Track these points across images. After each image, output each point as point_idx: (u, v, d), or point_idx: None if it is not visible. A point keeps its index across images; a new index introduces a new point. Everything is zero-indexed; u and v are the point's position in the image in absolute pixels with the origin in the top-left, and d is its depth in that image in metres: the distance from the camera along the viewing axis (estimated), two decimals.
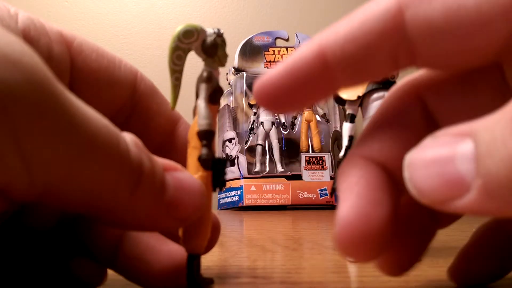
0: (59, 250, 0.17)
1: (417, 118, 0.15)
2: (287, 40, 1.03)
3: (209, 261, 0.25)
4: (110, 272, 0.17)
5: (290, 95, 0.15)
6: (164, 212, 0.14)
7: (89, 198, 0.12)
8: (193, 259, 0.16)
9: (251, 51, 0.98)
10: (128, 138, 0.13)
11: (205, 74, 0.17)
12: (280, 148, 0.92)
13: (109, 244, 0.17)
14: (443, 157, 0.11)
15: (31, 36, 0.16)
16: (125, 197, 0.13)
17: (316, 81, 0.15)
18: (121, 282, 0.17)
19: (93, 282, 0.17)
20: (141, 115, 0.20)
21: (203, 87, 0.17)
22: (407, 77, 0.16)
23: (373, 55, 0.14)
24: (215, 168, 0.16)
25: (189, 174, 0.15)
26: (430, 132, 0.14)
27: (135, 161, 0.13)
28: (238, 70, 0.96)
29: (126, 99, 0.19)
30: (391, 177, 0.15)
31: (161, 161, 0.15)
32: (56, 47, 0.17)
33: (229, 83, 0.98)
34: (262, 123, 0.91)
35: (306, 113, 0.94)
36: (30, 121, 0.11)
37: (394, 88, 0.16)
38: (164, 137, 0.20)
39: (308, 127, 0.93)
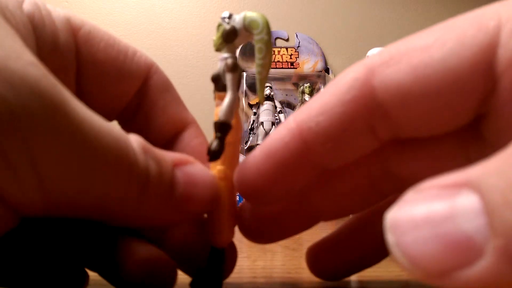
0: (42, 252, 0.17)
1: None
2: (287, 40, 1.03)
3: None
4: None
5: (273, 179, 0.15)
6: (174, 207, 0.14)
7: (97, 206, 0.13)
8: (217, 252, 0.16)
9: (251, 51, 0.98)
10: (135, 143, 0.14)
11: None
12: None
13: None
14: (439, 215, 0.08)
15: (35, 24, 0.15)
16: (133, 201, 0.13)
17: (297, 160, 0.15)
18: None
19: (74, 286, 0.17)
20: (146, 111, 0.18)
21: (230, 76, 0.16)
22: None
23: (348, 127, 0.14)
24: None
25: (201, 167, 0.15)
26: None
27: (142, 167, 0.13)
28: None
29: (135, 91, 0.18)
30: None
31: (172, 156, 0.15)
32: (62, 36, 0.16)
33: None
34: (262, 123, 0.91)
35: None
36: (46, 143, 0.11)
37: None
38: (164, 139, 0.19)
39: None
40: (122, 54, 0.17)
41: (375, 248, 0.18)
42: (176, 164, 0.15)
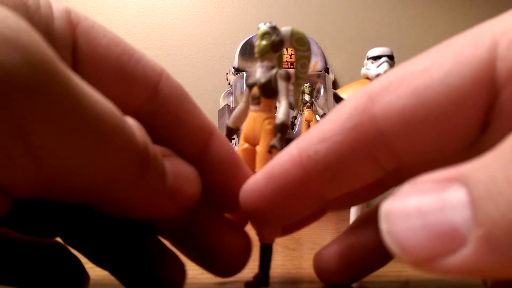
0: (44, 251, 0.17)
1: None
2: None
3: None
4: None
5: (274, 204, 0.15)
6: (166, 198, 0.14)
7: (97, 186, 0.12)
8: (266, 248, 0.17)
9: (251, 51, 0.98)
10: (131, 121, 0.13)
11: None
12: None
13: None
14: (429, 206, 0.09)
15: (28, 4, 0.14)
16: (133, 182, 0.12)
17: (297, 188, 0.15)
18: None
19: (74, 285, 0.17)
20: (167, 124, 0.16)
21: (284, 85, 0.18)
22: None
23: (348, 156, 0.14)
24: None
25: (182, 160, 0.15)
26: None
27: (141, 144, 0.12)
28: (238, 70, 0.96)
29: (145, 100, 0.16)
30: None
31: (157, 147, 0.14)
32: (58, 23, 0.15)
33: (229, 83, 0.98)
34: None
35: (306, 113, 0.94)
36: (34, 106, 0.10)
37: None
38: (195, 151, 0.17)
39: (308, 127, 0.93)
40: (128, 55, 0.16)
41: (382, 250, 0.18)
42: (162, 155, 0.14)
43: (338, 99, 0.31)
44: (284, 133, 0.17)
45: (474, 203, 0.08)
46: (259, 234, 0.17)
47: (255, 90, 0.18)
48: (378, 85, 0.14)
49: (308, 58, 0.19)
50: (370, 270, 0.19)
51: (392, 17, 1.06)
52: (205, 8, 1.07)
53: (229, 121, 0.20)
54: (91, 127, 0.11)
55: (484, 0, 1.07)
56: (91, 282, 0.18)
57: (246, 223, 0.18)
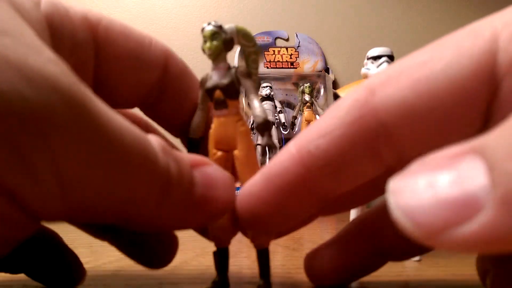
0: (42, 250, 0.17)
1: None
2: (287, 40, 1.03)
3: (209, 261, 0.25)
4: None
5: (273, 207, 0.15)
6: (195, 209, 0.14)
7: (118, 210, 0.12)
8: (262, 253, 0.17)
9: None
10: (156, 143, 0.13)
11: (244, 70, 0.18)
12: (280, 148, 0.92)
13: None
14: (441, 180, 0.08)
15: (55, 24, 0.15)
16: (154, 203, 0.13)
17: (298, 187, 0.14)
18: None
19: (73, 279, 0.18)
20: (171, 97, 0.19)
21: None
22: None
23: (349, 150, 0.13)
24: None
25: (217, 168, 0.15)
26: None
27: (163, 167, 0.13)
28: None
29: (156, 80, 0.18)
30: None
31: (189, 158, 0.14)
32: (81, 34, 0.16)
33: None
34: None
35: (306, 113, 0.94)
36: (68, 142, 0.11)
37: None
38: (188, 117, 0.19)
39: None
40: (140, 45, 0.18)
41: (373, 255, 0.18)
42: (194, 165, 0.14)
43: (338, 99, 0.31)
44: (270, 129, 0.17)
45: (490, 166, 0.08)
46: (253, 240, 0.17)
47: (218, 94, 0.17)
48: (378, 79, 0.13)
49: (256, 53, 0.18)
50: (362, 274, 0.19)
51: (392, 17, 1.06)
52: (205, 8, 1.07)
53: (190, 132, 0.19)
54: (118, 159, 0.12)
55: (484, 0, 1.07)
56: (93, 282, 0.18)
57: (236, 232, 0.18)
